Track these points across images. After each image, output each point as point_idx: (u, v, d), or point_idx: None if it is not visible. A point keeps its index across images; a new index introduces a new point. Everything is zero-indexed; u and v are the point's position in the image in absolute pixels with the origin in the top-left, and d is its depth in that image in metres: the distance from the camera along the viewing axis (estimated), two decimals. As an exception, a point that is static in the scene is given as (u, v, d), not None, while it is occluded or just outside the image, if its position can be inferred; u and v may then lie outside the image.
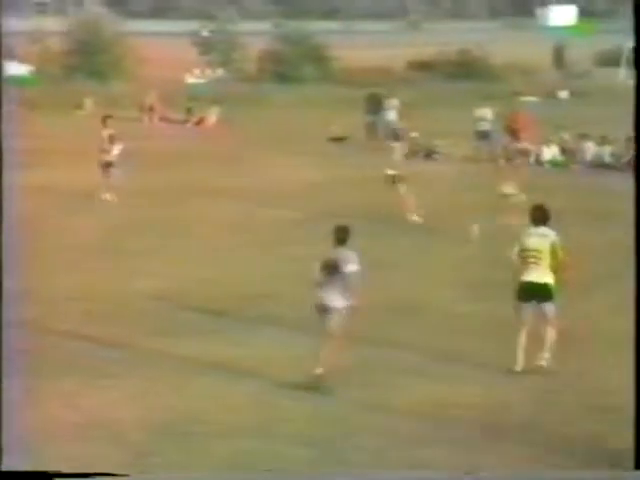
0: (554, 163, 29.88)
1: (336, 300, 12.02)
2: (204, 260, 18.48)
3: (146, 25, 68.48)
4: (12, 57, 47.76)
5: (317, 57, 51.24)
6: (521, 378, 12.46)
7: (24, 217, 21.21)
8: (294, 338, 13.80)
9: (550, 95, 47.17)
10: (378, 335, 13.79)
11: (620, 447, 10.06)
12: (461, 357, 13.17)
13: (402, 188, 21.43)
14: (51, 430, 10.98)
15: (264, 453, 10.46)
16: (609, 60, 55.08)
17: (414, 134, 31.49)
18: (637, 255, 11.44)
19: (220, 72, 53.15)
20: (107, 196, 23.60)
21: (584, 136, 29.71)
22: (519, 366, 12.63)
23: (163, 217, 21.99)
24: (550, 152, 30.14)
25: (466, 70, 50.65)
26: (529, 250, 12.68)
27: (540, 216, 12.85)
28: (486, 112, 31.38)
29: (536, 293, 12.66)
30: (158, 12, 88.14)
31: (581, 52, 55.38)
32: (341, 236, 12.25)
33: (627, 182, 11.46)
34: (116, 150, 23.96)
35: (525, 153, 30.13)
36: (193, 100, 41.49)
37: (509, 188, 21.45)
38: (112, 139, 24.10)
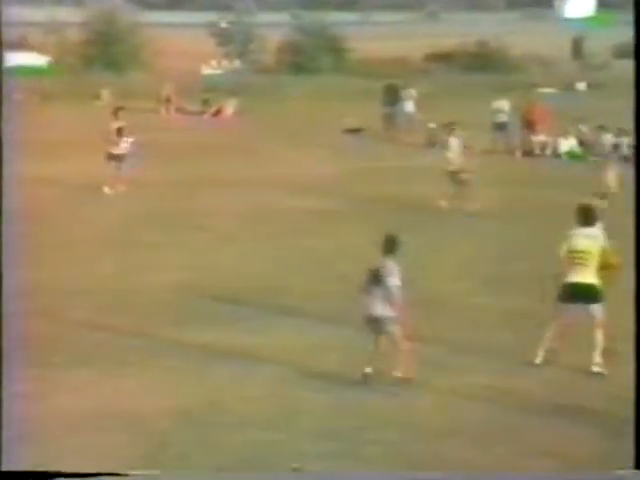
0: (572, 155, 29.77)
1: (382, 309, 11.92)
2: (220, 251, 18.49)
3: (163, 16, 68.46)
4: (29, 48, 47.98)
5: (334, 48, 51.13)
6: (539, 370, 12.43)
7: (39, 209, 21.33)
8: (312, 328, 13.82)
9: (568, 87, 46.98)
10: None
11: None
12: (479, 349, 13.14)
13: (462, 182, 21.30)
14: (68, 420, 11.00)
15: (281, 444, 10.46)
16: (628, 52, 54.69)
17: (432, 125, 31.49)
18: (637, 255, 11.42)
19: (237, 63, 53.11)
20: (114, 189, 23.25)
21: (602, 128, 29.56)
22: (539, 359, 12.52)
23: (180, 208, 22.00)
24: (568, 144, 30.03)
25: (484, 61, 50.50)
26: (577, 251, 12.38)
27: (588, 217, 12.58)
28: (503, 104, 31.29)
29: (582, 294, 12.33)
30: (175, 3, 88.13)
31: (600, 43, 55.13)
32: (389, 246, 12.08)
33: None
34: (124, 143, 23.68)
35: (542, 145, 30.09)
36: (210, 91, 41.44)
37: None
38: (121, 131, 23.75)
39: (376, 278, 11.93)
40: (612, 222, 13.48)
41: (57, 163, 26.40)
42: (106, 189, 23.36)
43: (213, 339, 13.51)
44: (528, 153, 29.77)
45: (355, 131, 33.77)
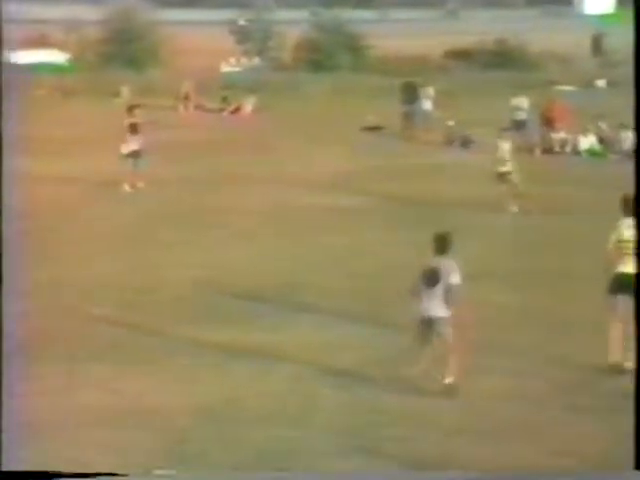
0: (592, 152, 29.66)
1: (440, 310, 11.62)
2: (239, 248, 18.51)
3: (182, 14, 68.55)
4: (50, 45, 48.18)
5: (353, 46, 51.04)
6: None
7: (57, 206, 21.41)
8: (330, 325, 13.82)
9: (588, 84, 46.79)
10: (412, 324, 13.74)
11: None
12: (498, 348, 13.11)
13: (510, 183, 21.23)
14: (87, 416, 11.04)
15: (299, 441, 10.48)
16: (647, 49, 54.50)
17: (450, 123, 31.45)
18: (637, 255, 11.34)
19: (256, 61, 53.11)
20: (128, 186, 23.25)
21: (622, 125, 29.44)
22: (612, 359, 12.19)
23: (198, 206, 22.03)
24: (587, 141, 29.92)
25: (503, 59, 50.31)
26: (626, 241, 12.22)
27: (631, 207, 12.19)
28: (523, 101, 31.18)
29: (630, 285, 11.95)
30: (193, 1, 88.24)
31: (619, 41, 54.80)
32: (442, 244, 11.78)
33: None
34: (135, 140, 23.58)
35: (561, 143, 29.99)
36: (228, 89, 41.46)
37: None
38: (134, 129, 23.71)
39: (432, 278, 11.58)
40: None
41: (76, 160, 26.49)
42: (126, 186, 23.40)
43: (231, 336, 13.53)
44: (548, 151, 29.67)
45: (374, 129, 33.74)
